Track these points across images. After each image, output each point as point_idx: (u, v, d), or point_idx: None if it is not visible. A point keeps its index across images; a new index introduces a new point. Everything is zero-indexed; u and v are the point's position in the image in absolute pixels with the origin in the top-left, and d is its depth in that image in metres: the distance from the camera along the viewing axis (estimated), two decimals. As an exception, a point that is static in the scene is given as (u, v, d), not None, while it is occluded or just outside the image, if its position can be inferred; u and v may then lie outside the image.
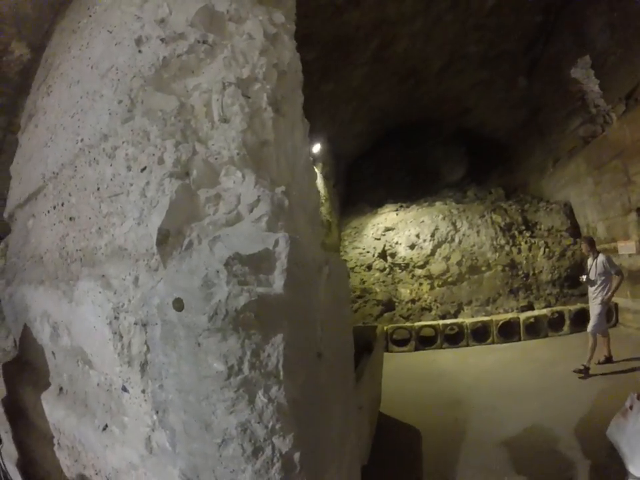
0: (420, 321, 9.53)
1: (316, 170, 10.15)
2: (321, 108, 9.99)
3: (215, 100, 1.79)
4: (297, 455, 1.28)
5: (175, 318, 1.31)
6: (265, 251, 1.34)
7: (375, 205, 12.60)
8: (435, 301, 9.93)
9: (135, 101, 1.85)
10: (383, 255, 10.70)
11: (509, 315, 8.70)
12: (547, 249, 9.71)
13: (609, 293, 6.01)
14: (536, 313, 8.62)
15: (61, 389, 2.41)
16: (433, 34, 8.81)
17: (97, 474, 2.06)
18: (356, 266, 10.81)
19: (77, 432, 2.13)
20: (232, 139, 1.69)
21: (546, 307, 9.05)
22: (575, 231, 9.98)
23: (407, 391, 6.27)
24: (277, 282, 1.33)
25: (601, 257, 6.15)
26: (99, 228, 1.90)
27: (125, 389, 1.65)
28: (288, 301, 1.34)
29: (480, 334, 8.63)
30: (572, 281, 9.45)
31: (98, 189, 1.94)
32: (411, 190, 12.91)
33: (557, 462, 3.48)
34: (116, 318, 1.63)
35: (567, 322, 8.40)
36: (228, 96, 1.79)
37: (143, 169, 1.67)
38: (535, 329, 8.47)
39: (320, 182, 10.36)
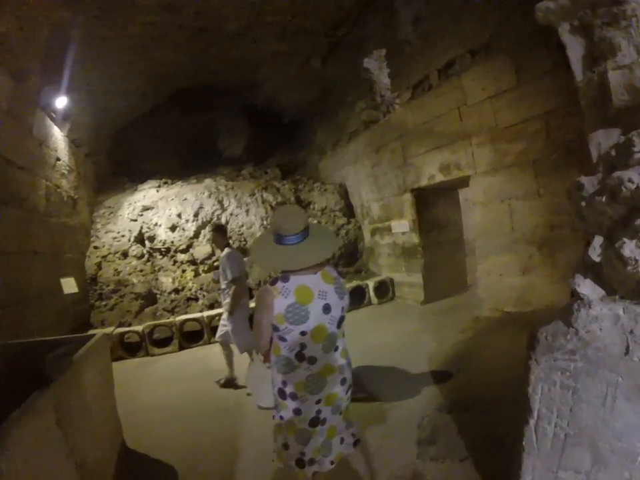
0: (187, 313, 7.53)
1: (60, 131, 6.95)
2: (89, 56, 7.11)
3: None
4: None
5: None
6: None
7: (144, 179, 9.83)
8: (201, 289, 7.99)
9: None
10: (140, 238, 8.18)
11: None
12: (320, 229, 8.96)
13: (230, 301, 4.41)
14: None
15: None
16: (233, -10, 6.98)
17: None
18: (109, 253, 7.97)
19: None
20: None
21: (321, 286, 8.25)
22: (348, 210, 9.56)
23: (166, 407, 4.34)
24: None
25: (224, 253, 4.47)
26: None
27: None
28: None
29: (254, 321, 7.17)
30: (346, 259, 8.97)
31: None
32: (186, 163, 10.57)
33: None
34: None
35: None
36: None
37: None
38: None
39: (64, 147, 7.17)
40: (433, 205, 7.60)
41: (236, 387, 4.63)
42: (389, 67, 7.57)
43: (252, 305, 5.49)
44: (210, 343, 6.73)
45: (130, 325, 7.22)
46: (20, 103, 5.51)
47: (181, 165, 10.18)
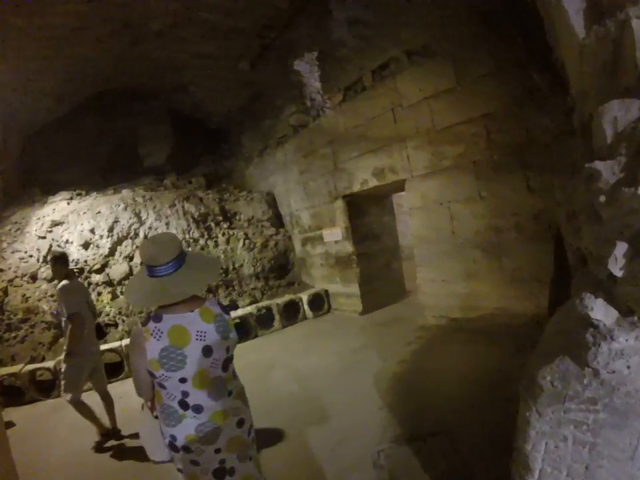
0: (105, 342, 6.33)
1: None
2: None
3: None
4: None
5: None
6: None
7: (57, 190, 8.38)
8: (120, 313, 6.89)
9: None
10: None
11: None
12: (247, 240, 8.16)
13: (67, 341, 3.59)
14: (239, 312, 6.85)
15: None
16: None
17: None
18: (16, 277, 6.61)
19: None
20: None
21: (251, 302, 7.46)
22: (277, 220, 8.86)
23: (82, 463, 3.49)
24: None
25: (60, 285, 3.66)
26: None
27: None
28: None
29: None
30: (277, 272, 8.26)
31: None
32: (105, 173, 9.28)
33: None
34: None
35: (277, 317, 7.00)
36: None
37: None
38: (243, 331, 6.72)
39: None
40: (366, 213, 7.18)
41: (120, 438, 3.85)
42: (320, 69, 7.07)
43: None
44: (128, 377, 5.76)
45: (43, 359, 6.08)
46: None
47: (99, 174, 8.87)
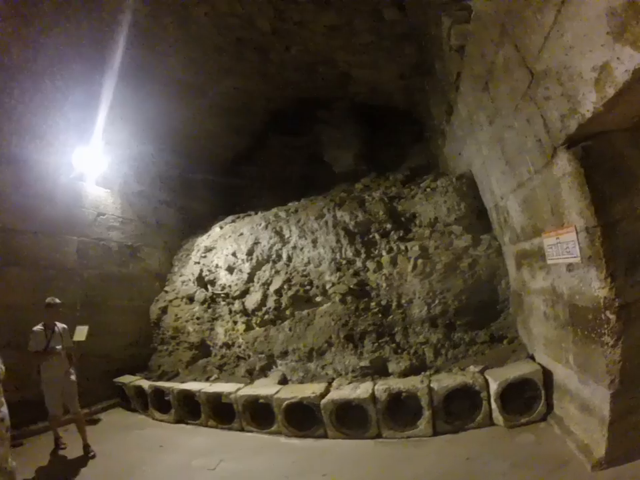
0: (233, 374, 5.24)
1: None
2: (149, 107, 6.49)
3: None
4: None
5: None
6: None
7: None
8: (248, 347, 5.29)
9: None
10: (202, 282, 6.29)
11: (309, 389, 3.75)
12: (420, 260, 4.58)
13: None
14: (360, 391, 3.53)
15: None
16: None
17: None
18: (176, 298, 6.52)
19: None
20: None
21: (411, 370, 3.96)
22: (477, 220, 4.70)
23: None
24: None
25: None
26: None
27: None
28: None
29: (260, 414, 4.03)
30: (473, 315, 4.29)
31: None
32: (301, 190, 8.19)
33: None
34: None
35: (427, 411, 3.30)
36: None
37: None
38: (358, 419, 3.49)
39: (112, 202, 6.47)
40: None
41: None
42: None
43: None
44: (207, 425, 4.49)
45: (177, 374, 5.67)
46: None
47: (295, 193, 7.69)
